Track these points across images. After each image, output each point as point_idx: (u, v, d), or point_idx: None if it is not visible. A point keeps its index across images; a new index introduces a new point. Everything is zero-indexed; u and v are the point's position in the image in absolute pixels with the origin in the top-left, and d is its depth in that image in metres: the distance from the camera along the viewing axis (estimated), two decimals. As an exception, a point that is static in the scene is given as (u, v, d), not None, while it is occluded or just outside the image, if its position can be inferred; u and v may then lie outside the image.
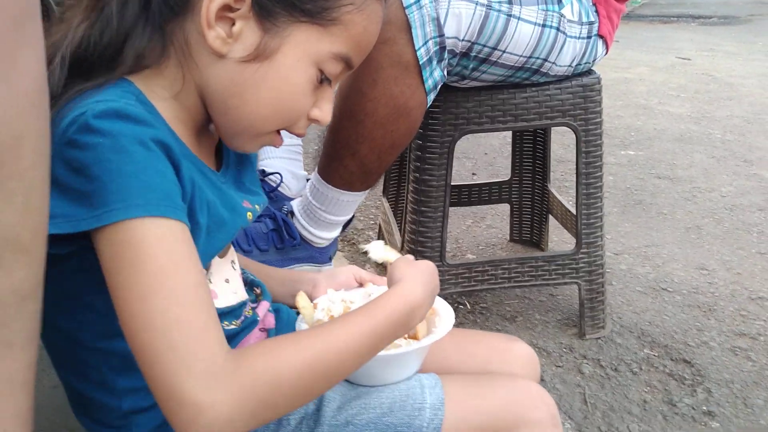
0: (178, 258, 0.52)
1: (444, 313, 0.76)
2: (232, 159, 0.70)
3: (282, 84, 0.61)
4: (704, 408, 1.22)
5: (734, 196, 2.32)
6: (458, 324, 1.45)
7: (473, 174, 2.55)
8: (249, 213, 0.67)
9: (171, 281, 0.51)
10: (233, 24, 0.59)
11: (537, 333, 1.44)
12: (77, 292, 0.59)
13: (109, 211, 0.51)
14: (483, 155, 2.76)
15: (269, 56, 0.60)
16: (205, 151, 0.67)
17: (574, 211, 1.42)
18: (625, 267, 1.77)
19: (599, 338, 1.41)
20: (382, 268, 0.75)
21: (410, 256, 0.72)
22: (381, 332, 0.60)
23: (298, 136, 0.67)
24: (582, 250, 1.39)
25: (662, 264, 1.79)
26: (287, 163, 1.43)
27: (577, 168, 1.36)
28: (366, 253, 0.75)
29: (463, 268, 1.37)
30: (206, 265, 0.65)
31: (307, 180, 1.47)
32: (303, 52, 0.61)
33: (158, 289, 0.51)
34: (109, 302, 0.54)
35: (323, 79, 0.64)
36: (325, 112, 0.66)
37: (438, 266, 1.38)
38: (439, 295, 0.79)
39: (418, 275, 0.66)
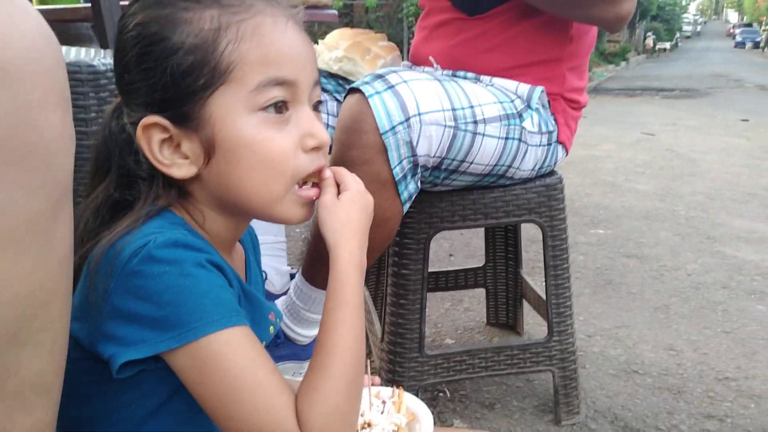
0: (254, 355, 0.58)
1: (423, 418, 0.82)
2: (253, 271, 0.76)
3: (245, 152, 0.61)
4: (676, 494, 1.27)
5: (699, 274, 2.43)
6: (438, 413, 1.51)
7: (450, 255, 2.64)
8: (271, 327, 0.73)
9: (253, 376, 0.58)
10: (179, 146, 0.62)
11: (515, 420, 1.49)
12: (121, 406, 0.63)
13: (188, 330, 0.56)
14: (459, 236, 2.86)
15: (215, 142, 0.61)
16: (239, 268, 0.72)
17: (545, 297, 1.50)
18: (597, 350, 1.84)
19: (574, 424, 1.46)
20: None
21: (331, 180, 0.69)
22: (359, 299, 0.65)
23: (318, 171, 0.67)
24: (554, 338, 1.46)
25: (633, 345, 1.86)
26: (272, 260, 1.50)
27: (545, 261, 1.45)
28: None
29: (441, 358, 1.43)
30: None
31: (291, 276, 1.53)
32: (231, 113, 0.60)
33: (245, 388, 0.57)
34: (146, 410, 0.59)
35: (282, 111, 0.62)
36: (316, 134, 0.64)
37: (417, 357, 1.45)
38: (419, 387, 0.84)
39: (347, 231, 0.67)
